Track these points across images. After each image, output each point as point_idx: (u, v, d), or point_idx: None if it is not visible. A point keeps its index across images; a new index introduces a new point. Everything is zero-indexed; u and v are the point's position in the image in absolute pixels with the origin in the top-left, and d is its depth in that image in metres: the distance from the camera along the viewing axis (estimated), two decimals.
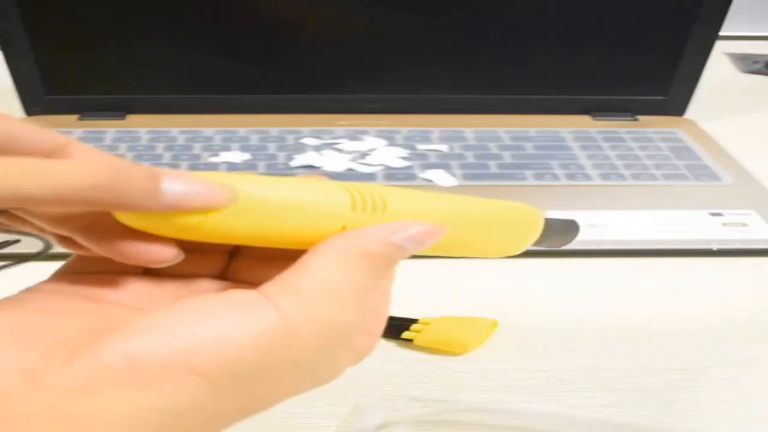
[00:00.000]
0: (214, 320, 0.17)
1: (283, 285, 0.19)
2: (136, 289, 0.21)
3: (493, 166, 0.56)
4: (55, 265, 0.22)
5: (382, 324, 0.24)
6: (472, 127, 0.63)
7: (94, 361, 0.16)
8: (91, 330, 0.17)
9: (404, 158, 0.57)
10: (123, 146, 0.59)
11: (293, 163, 0.56)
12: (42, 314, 0.19)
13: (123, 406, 0.16)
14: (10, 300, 0.19)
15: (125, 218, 0.19)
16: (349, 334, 0.20)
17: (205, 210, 0.19)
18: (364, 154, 0.58)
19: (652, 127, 0.64)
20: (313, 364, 0.19)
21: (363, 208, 0.21)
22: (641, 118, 0.66)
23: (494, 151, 0.59)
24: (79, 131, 0.61)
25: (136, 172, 0.18)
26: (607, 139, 0.61)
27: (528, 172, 0.56)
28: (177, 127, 0.62)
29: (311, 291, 0.19)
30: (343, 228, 0.21)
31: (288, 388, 0.20)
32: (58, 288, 0.21)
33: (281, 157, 0.58)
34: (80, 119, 0.63)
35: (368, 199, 0.21)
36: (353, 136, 0.61)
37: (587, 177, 0.55)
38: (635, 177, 0.55)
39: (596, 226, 0.48)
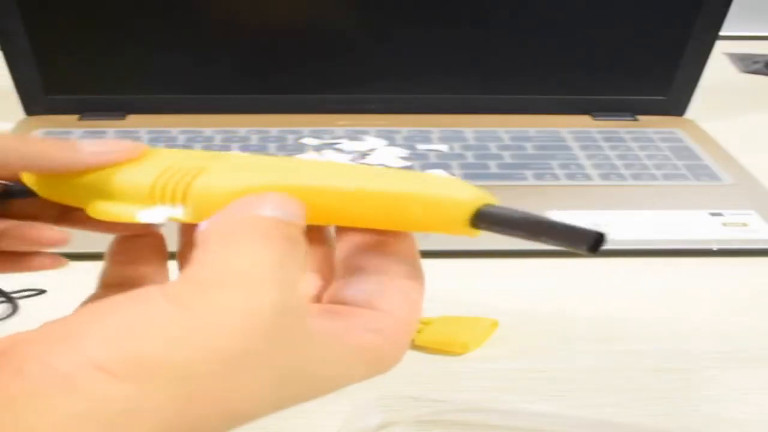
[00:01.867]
0: (112, 316, 0.17)
1: (184, 280, 0.18)
2: None
3: (493, 166, 0.57)
4: None
5: (397, 323, 0.21)
6: (472, 127, 0.63)
7: (11, 372, 0.16)
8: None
9: (404, 158, 0.57)
10: None
11: None
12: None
13: (47, 415, 0.15)
14: None
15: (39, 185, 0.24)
16: (289, 319, 0.18)
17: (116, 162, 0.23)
18: (364, 154, 0.58)
19: (652, 127, 0.64)
20: (260, 363, 0.18)
21: (161, 197, 0.22)
22: (641, 118, 0.66)
23: (494, 151, 0.59)
24: (79, 131, 0.61)
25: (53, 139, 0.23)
26: (607, 139, 0.61)
27: (528, 172, 0.56)
28: (177, 127, 0.62)
29: (211, 279, 0.18)
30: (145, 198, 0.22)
31: (252, 390, 0.18)
32: None
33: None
34: (80, 119, 0.63)
35: (169, 186, 0.22)
36: (353, 136, 0.61)
37: (587, 177, 0.55)
38: (635, 177, 0.55)
39: (596, 226, 0.48)
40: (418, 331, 0.37)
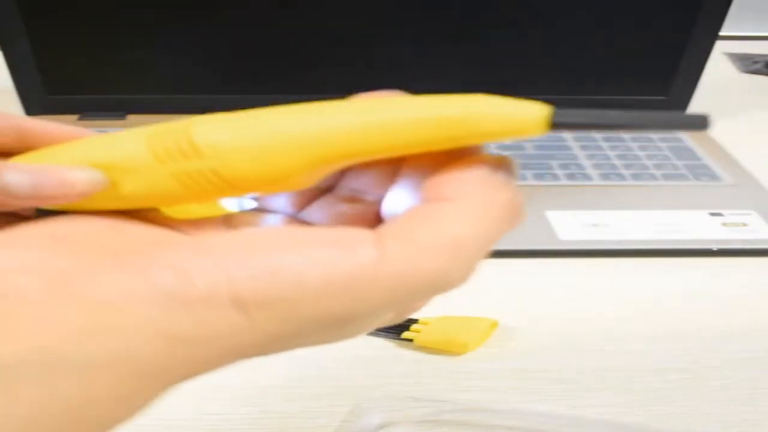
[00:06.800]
0: (297, 252, 0.15)
1: (401, 232, 0.17)
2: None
3: None
4: None
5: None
6: None
7: (137, 272, 0.15)
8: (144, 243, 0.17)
9: None
10: None
11: None
12: (95, 226, 0.18)
13: (146, 327, 0.14)
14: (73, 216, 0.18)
15: None
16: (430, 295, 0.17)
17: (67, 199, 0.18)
18: None
19: None
20: (369, 321, 0.17)
21: (169, 158, 0.18)
22: None
23: (494, 150, 0.59)
24: None
25: None
26: (607, 139, 0.61)
27: (528, 172, 0.56)
28: None
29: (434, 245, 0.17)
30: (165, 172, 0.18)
31: (329, 337, 0.17)
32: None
33: None
34: (80, 119, 0.63)
35: (171, 144, 0.18)
36: None
37: (587, 177, 0.55)
38: (635, 177, 0.55)
39: (596, 226, 0.48)
40: (418, 331, 0.37)
